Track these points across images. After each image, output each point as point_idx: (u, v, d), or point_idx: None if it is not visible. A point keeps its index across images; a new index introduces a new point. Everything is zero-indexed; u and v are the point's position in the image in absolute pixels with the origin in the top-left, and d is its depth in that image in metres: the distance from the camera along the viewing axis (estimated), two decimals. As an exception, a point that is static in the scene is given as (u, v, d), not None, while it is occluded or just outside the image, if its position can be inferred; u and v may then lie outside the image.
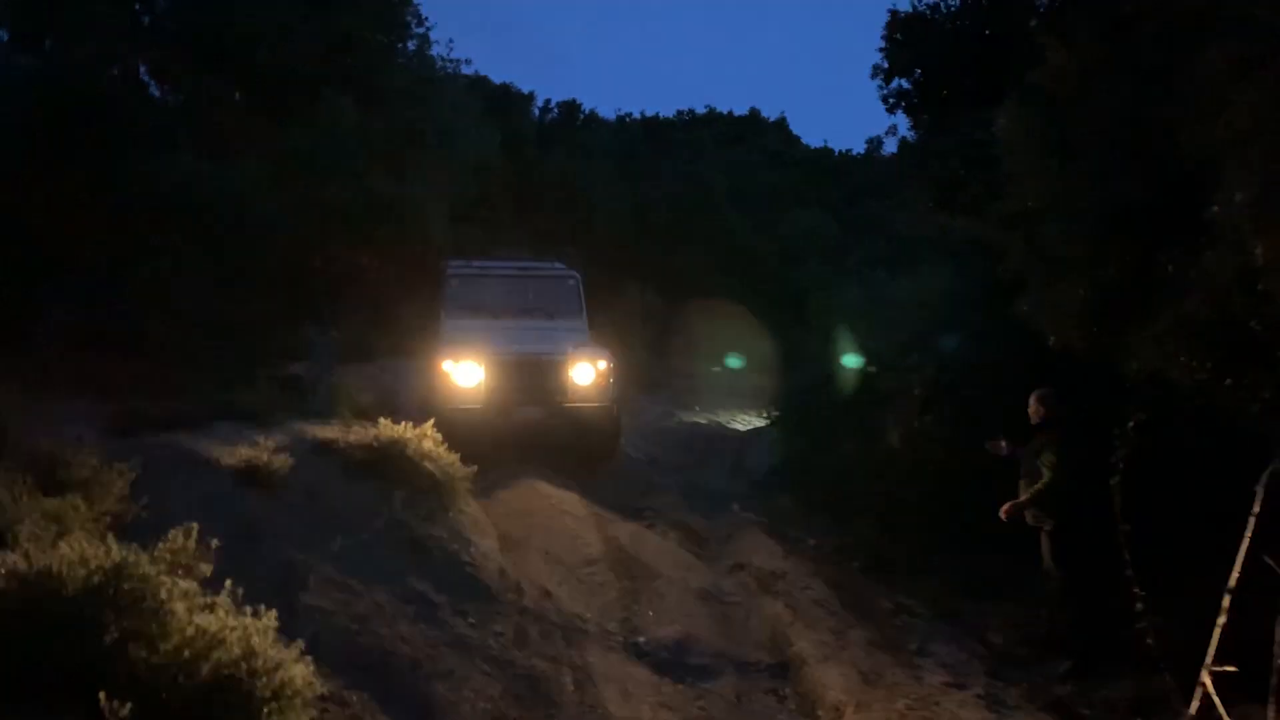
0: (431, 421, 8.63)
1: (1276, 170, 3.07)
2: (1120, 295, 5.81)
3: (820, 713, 5.49)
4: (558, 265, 12.23)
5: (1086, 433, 6.06)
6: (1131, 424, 3.83)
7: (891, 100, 10.40)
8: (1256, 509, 2.29)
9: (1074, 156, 6.24)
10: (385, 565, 6.38)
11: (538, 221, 28.58)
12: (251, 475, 6.81)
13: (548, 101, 32.47)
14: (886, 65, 10.28)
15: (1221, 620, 3.84)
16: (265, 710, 3.55)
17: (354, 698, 4.67)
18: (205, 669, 3.52)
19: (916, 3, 10.47)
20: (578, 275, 11.79)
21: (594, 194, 29.28)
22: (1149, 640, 4.71)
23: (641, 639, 6.69)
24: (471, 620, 6.20)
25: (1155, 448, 4.36)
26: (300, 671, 3.83)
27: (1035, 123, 6.68)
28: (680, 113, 41.31)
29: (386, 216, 11.82)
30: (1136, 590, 3.95)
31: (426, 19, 13.74)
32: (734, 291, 26.87)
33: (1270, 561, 2.90)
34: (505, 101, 29.27)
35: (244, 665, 3.60)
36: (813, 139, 48.12)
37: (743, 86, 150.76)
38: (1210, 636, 4.37)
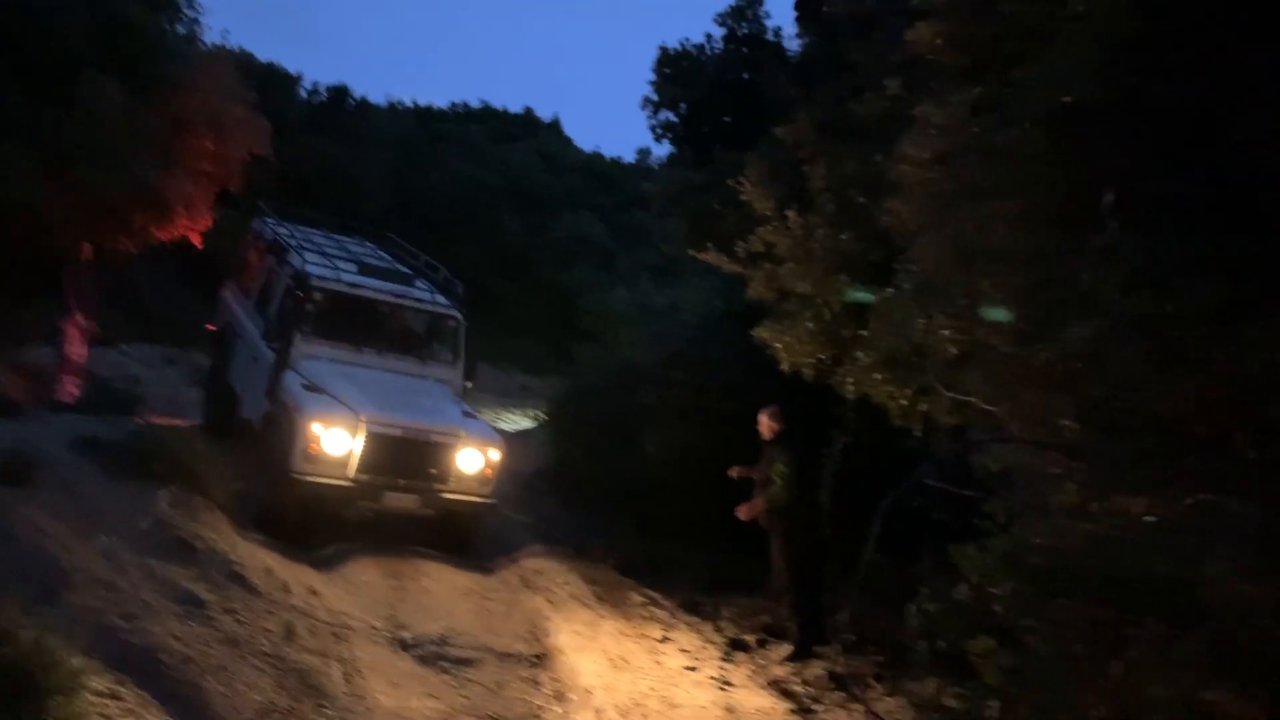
0: (266, 477, 7.83)
1: (943, 257, 3.93)
2: (839, 332, 6.80)
3: (573, 696, 6.09)
4: (438, 297, 9.56)
5: (811, 447, 7.02)
6: (839, 445, 4.63)
7: (659, 131, 11.23)
8: (877, 529, 2.98)
9: (809, 208, 7.20)
10: (152, 564, 6.44)
11: (304, 209, 27.88)
12: (4, 473, 6.66)
13: (315, 84, 31.56)
14: (655, 98, 11.10)
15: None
16: (52, 701, 3.75)
17: (128, 693, 4.82)
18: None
19: (685, 42, 11.39)
20: (460, 318, 9.39)
21: (364, 183, 28.87)
22: (848, 626, 5.62)
23: (407, 634, 7.05)
24: (241, 618, 6.36)
25: (859, 465, 5.22)
26: (81, 664, 4.03)
27: (778, 174, 7.62)
28: (454, 105, 41.20)
29: (149, 205, 11.44)
30: (836, 586, 4.75)
31: (196, 2, 13.39)
32: (506, 291, 27.33)
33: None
34: (270, 81, 28.27)
35: (32, 660, 3.78)
36: (585, 143, 49.11)
37: (518, 84, 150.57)
38: (898, 622, 5.30)
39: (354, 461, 7.79)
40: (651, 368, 10.77)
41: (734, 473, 7.62)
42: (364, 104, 32.82)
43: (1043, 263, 3.41)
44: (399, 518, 8.27)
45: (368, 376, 8.57)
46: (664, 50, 11.18)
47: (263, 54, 29.04)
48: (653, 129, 11.26)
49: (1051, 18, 4.01)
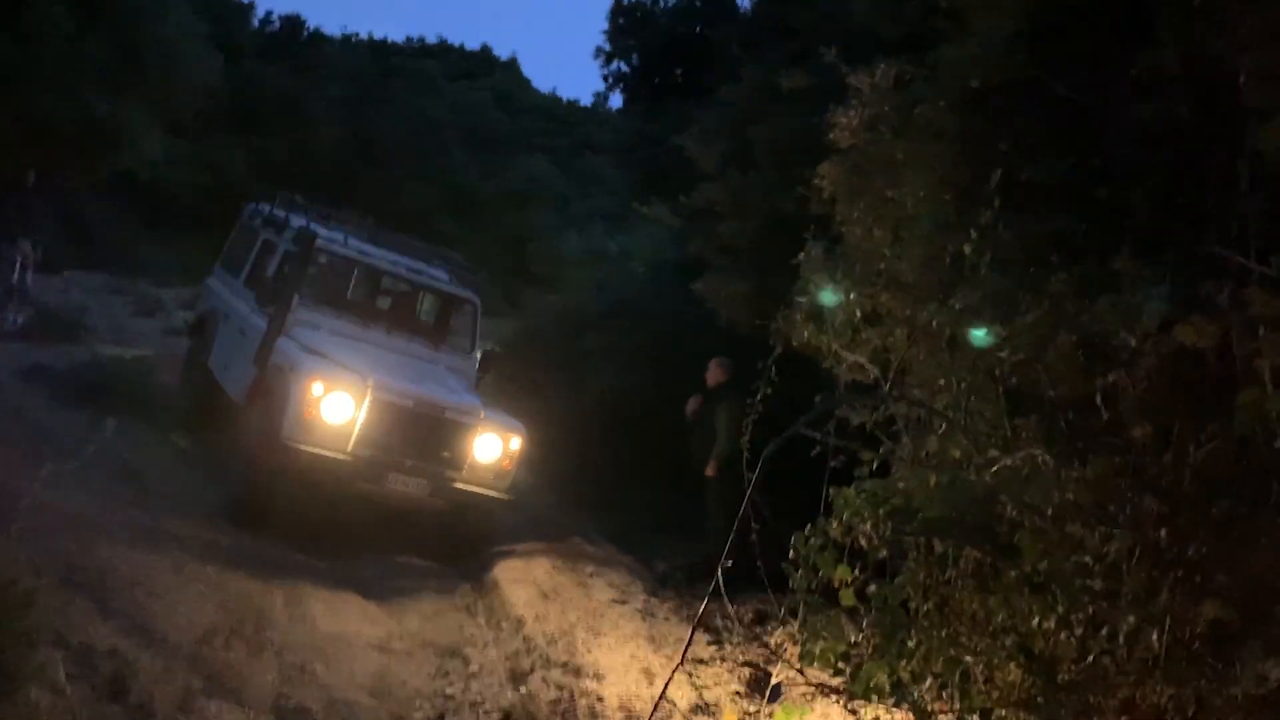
0: (249, 451, 7.01)
1: (861, 221, 4.24)
2: (772, 285, 7.11)
3: (504, 624, 6.44)
4: (450, 279, 8.67)
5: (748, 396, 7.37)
6: (759, 395, 4.96)
7: (610, 80, 11.42)
8: (756, 473, 3.31)
9: (749, 167, 7.47)
10: (99, 491, 6.64)
11: (255, 142, 27.58)
12: (-47, 398, 6.81)
13: (268, 14, 31.10)
14: (609, 48, 11.26)
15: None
16: (10, 613, 3.99)
17: (77, 609, 5.06)
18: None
19: (640, -8, 11.51)
20: (477, 302, 8.53)
21: (316, 117, 28.61)
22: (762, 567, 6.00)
23: (344, 562, 7.31)
24: (187, 547, 6.60)
25: (780, 416, 5.56)
26: (34, 583, 4.28)
27: (722, 132, 7.87)
28: (410, 39, 40.70)
29: (99, 135, 11.39)
30: (756, 528, 5.10)
31: (148, -75, 13.13)
32: (456, 232, 27.30)
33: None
34: (220, 10, 27.75)
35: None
36: (542, 84, 48.83)
37: (475, 20, 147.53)
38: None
39: (355, 433, 6.83)
40: (598, 314, 11.04)
41: (691, 406, 7.88)
42: (318, 35, 32.43)
43: (941, 235, 3.73)
44: (401, 508, 7.37)
45: (373, 350, 7.69)
46: (618, 1, 11.29)
47: (214, -21, 28.34)
48: (605, 78, 11.45)
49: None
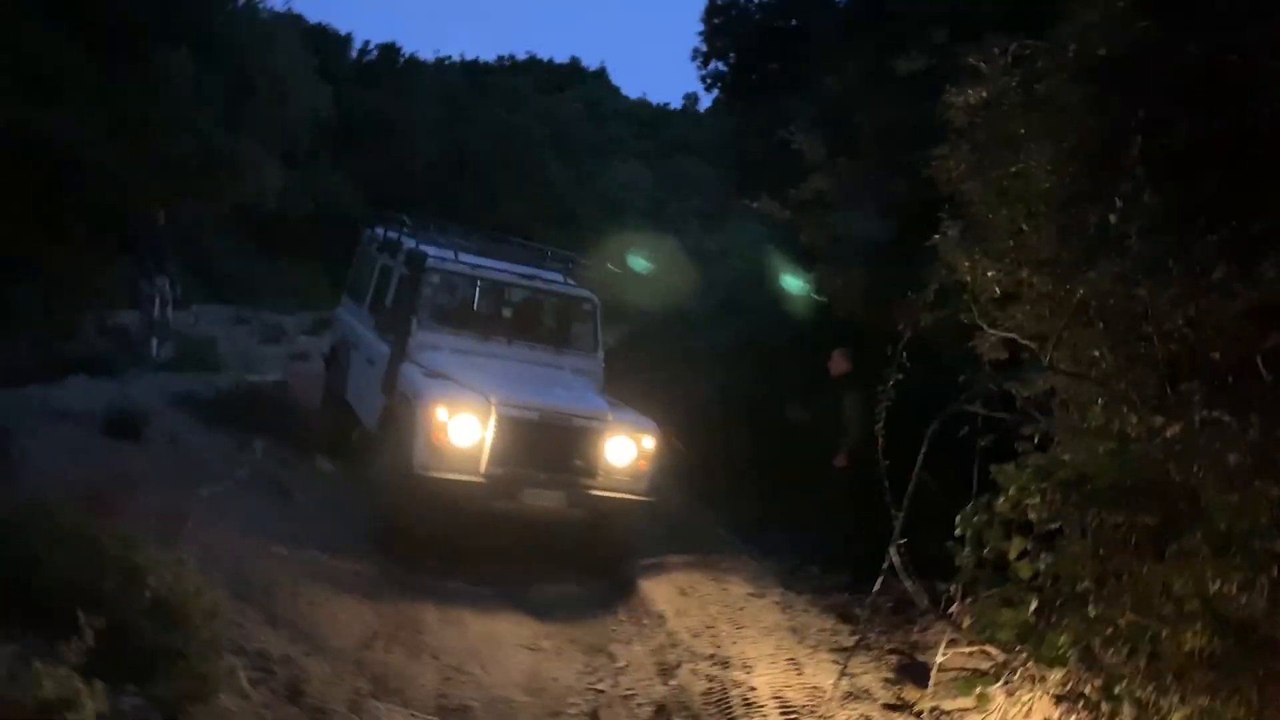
0: (385, 481, 7.03)
1: (987, 201, 4.22)
2: (890, 273, 7.09)
3: (646, 621, 6.57)
4: (567, 280, 8.51)
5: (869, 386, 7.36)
6: (890, 382, 4.97)
7: (709, 81, 11.49)
8: (924, 450, 3.28)
9: (857, 156, 7.46)
10: (255, 509, 7.00)
11: (356, 166, 28.47)
12: (117, 426, 7.26)
13: (366, 43, 32.04)
14: (705, 49, 11.34)
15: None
16: (200, 619, 4.27)
17: (248, 618, 5.37)
18: (146, 593, 4.21)
19: (734, -9, 11.56)
20: (596, 300, 8.35)
21: (415, 139, 29.39)
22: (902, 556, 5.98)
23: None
24: (340, 561, 6.86)
25: (911, 402, 5.55)
26: (218, 594, 4.56)
27: (827, 122, 7.87)
28: (501, 58, 41.45)
29: (220, 168, 11.97)
30: (893, 515, 5.10)
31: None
32: (557, 243, 27.69)
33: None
34: (322, 42, 28.77)
35: (176, 591, 4.30)
36: (631, 90, 49.16)
37: (563, 33, 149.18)
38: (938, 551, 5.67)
39: (485, 453, 6.73)
40: (705, 312, 11.11)
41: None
42: (413, 61, 33.28)
43: (1077, 207, 3.70)
44: (540, 521, 7.24)
45: (496, 364, 7.57)
46: (711, 1, 11.37)
47: (313, 15, 29.51)
48: (702, 79, 11.53)
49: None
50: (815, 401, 8.02)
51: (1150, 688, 2.73)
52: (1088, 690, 3.19)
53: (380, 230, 9.23)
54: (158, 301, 11.32)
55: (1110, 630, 2.61)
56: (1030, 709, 4.33)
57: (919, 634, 6.40)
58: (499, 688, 5.72)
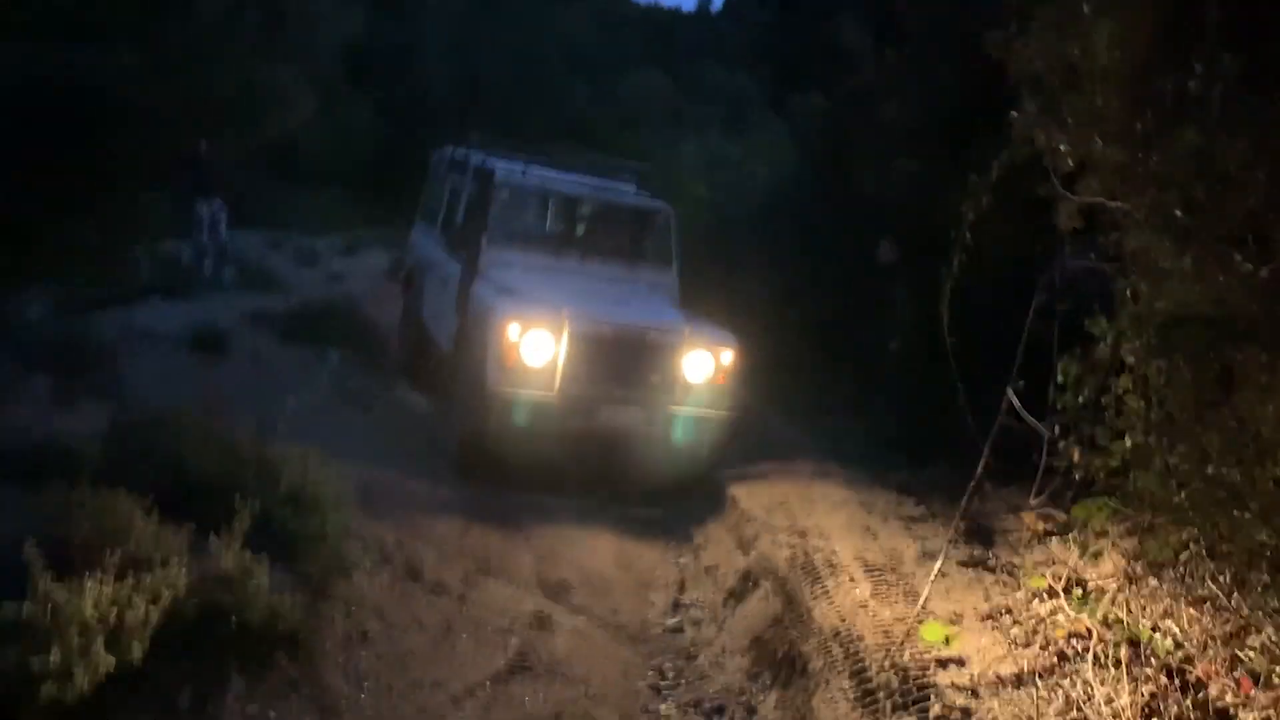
0: (461, 401, 6.96)
1: (1053, 79, 4.39)
2: (942, 161, 7.26)
3: (721, 506, 6.93)
4: (639, 191, 8.49)
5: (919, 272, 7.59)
6: (955, 261, 5.19)
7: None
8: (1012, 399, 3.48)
9: (905, 44, 7.57)
10: (340, 420, 7.35)
11: (375, 94, 28.36)
12: (203, 343, 7.62)
13: (373, -36, 31.48)
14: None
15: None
16: (329, 508, 4.65)
17: (354, 516, 5.75)
18: (281, 484, 4.58)
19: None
20: (671, 211, 8.16)
21: (428, 65, 29.19)
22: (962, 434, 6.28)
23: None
24: (427, 468, 7.13)
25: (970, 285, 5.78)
26: (340, 482, 4.94)
27: (871, 11, 7.96)
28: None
29: (259, 100, 12.10)
30: (959, 395, 5.37)
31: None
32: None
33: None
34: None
35: (306, 481, 4.68)
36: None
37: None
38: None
39: (560, 370, 6.65)
40: (745, 217, 11.27)
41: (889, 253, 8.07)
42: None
43: (1148, 78, 3.88)
44: (619, 439, 7.03)
45: (570, 280, 7.45)
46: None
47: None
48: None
49: None
50: (866, 291, 8.27)
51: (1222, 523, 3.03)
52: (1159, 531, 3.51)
53: (449, 150, 9.23)
54: (208, 226, 11.59)
55: (1199, 461, 2.88)
56: (1100, 555, 4.67)
57: (979, 503, 6.75)
58: (591, 565, 6.15)
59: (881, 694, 4.06)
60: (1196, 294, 2.94)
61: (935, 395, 7.29)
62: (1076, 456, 3.41)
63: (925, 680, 4.02)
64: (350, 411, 7.65)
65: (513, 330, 6.57)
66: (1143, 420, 3.08)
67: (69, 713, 2.95)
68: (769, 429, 8.83)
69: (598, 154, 9.88)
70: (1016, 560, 5.41)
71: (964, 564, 5.45)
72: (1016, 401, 3.62)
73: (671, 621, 5.67)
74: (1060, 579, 4.63)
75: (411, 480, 6.74)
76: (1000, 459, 4.99)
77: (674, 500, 7.13)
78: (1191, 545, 3.20)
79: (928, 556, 5.51)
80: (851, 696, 4.17)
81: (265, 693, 3.65)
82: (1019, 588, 4.99)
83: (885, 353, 7.79)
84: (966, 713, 3.76)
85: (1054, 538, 5.47)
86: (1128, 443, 3.16)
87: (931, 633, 4.28)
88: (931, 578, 4.76)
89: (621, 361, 6.84)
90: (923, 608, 4.69)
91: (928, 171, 7.54)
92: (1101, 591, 4.40)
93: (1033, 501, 4.11)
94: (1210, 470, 2.90)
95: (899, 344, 7.69)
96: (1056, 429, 3.59)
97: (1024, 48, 4.55)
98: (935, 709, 3.80)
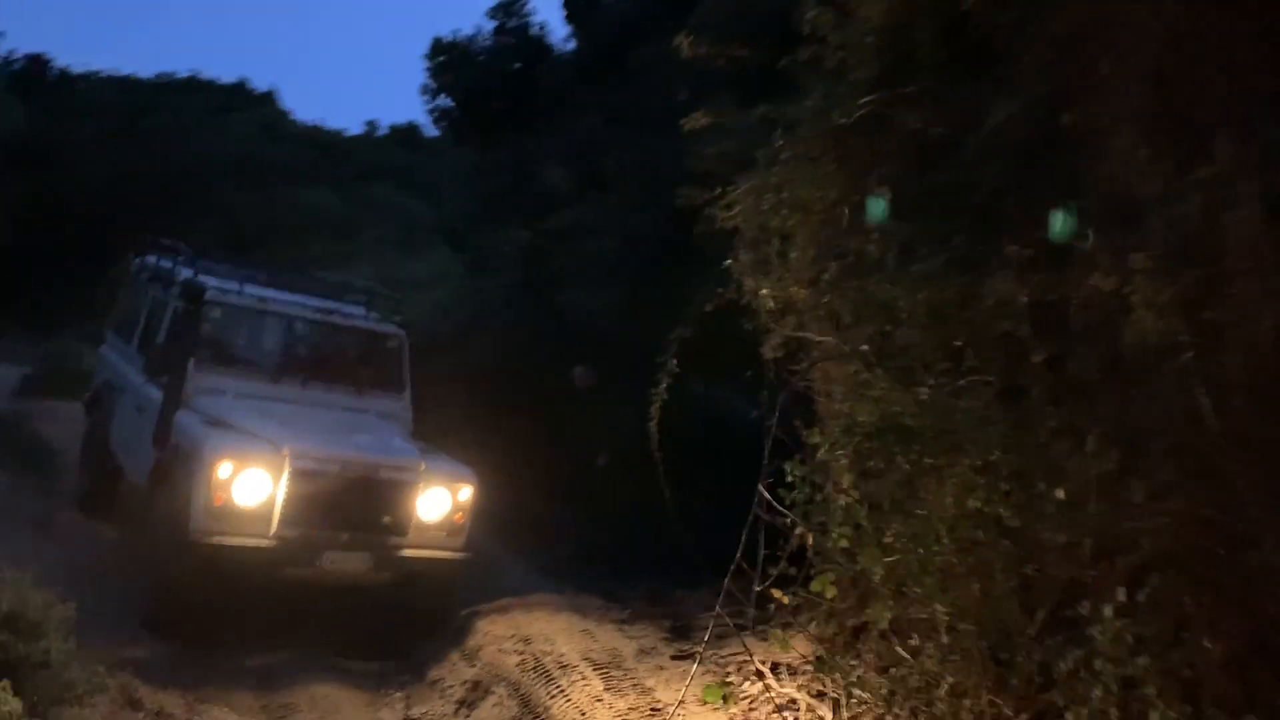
0: (158, 547, 6.11)
1: (755, 236, 5.30)
2: (640, 294, 8.14)
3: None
4: (368, 314, 7.80)
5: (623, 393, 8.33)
6: (663, 385, 5.87)
7: (437, 115, 12.09)
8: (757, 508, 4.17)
9: (604, 190, 8.47)
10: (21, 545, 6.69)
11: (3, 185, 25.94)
12: None
13: (11, 51, 29.14)
14: (434, 85, 11.94)
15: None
16: (54, 633, 4.39)
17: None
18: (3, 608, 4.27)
19: (456, 33, 12.27)
20: (403, 335, 7.71)
21: (72, 159, 27.24)
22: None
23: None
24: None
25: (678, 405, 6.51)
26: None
27: (573, 161, 8.82)
28: (161, 75, 38.98)
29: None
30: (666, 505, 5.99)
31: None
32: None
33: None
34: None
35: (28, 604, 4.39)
36: (304, 115, 47.67)
37: (227, 56, 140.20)
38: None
39: (277, 513, 5.94)
40: (446, 335, 11.59)
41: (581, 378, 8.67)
42: (65, 75, 30.65)
43: (831, 238, 4.83)
44: (342, 587, 6.42)
45: (289, 410, 6.81)
46: (437, 40, 12.02)
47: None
48: (430, 112, 12.09)
49: (816, 58, 5.41)
50: (574, 412, 8.88)
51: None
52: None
53: (152, 259, 8.37)
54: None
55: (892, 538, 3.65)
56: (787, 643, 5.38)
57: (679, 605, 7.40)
58: (318, 690, 5.97)
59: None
60: (880, 411, 3.75)
61: (639, 508, 7.97)
62: (811, 540, 4.09)
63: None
64: (32, 538, 7.01)
65: (224, 468, 5.83)
66: (852, 511, 3.82)
67: None
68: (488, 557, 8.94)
69: (315, 270, 9.76)
70: (721, 652, 6.05)
71: (675, 657, 6.03)
72: (768, 495, 4.25)
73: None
74: (766, 663, 5.31)
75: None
76: (711, 557, 5.67)
77: (406, 648, 6.64)
78: (885, 615, 3.94)
79: (644, 653, 6.04)
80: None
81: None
82: (726, 674, 5.63)
83: (593, 470, 8.39)
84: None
85: (745, 631, 6.18)
86: (845, 531, 3.88)
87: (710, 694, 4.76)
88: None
89: (349, 501, 6.21)
90: (652, 695, 5.18)
91: (629, 299, 8.39)
92: (797, 669, 5.14)
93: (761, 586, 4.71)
94: (899, 553, 3.67)
95: (604, 460, 8.34)
96: (789, 521, 4.26)
97: (722, 209, 5.41)
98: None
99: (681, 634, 6.65)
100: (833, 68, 5.32)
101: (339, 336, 7.58)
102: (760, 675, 5.24)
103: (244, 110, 37.67)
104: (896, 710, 4.11)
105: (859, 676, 4.30)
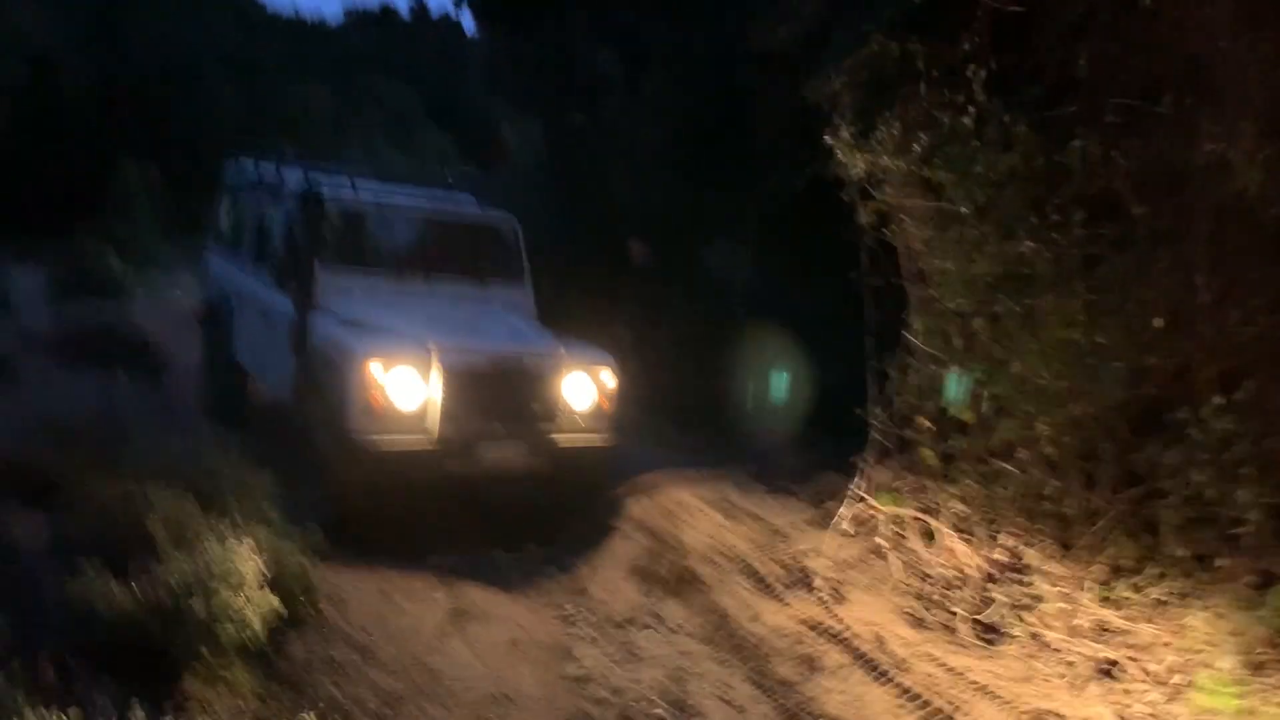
0: (314, 449, 5.99)
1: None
2: (691, 178, 8.66)
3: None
4: (478, 204, 7.84)
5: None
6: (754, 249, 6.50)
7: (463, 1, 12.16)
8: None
9: (656, 72, 8.88)
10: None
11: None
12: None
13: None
14: (461, -29, 12.01)
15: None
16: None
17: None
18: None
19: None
20: (516, 223, 7.61)
21: (61, 59, 26.83)
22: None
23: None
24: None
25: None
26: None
27: (623, 47, 9.21)
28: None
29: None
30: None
31: None
32: (239, 166, 26.62)
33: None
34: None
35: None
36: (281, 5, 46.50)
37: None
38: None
39: (433, 409, 5.91)
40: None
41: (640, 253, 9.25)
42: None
43: (919, 114, 5.44)
44: (501, 478, 6.39)
45: (420, 306, 6.73)
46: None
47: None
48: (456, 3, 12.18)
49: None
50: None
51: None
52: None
53: (250, 164, 8.22)
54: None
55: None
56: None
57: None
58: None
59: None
60: (997, 262, 4.43)
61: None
62: (948, 377, 4.80)
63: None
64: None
65: (375, 369, 5.76)
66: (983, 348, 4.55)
67: None
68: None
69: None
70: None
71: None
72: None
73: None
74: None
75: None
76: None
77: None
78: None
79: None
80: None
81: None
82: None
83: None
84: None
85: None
86: (976, 366, 4.62)
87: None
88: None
89: (499, 393, 6.16)
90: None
91: (679, 183, 8.91)
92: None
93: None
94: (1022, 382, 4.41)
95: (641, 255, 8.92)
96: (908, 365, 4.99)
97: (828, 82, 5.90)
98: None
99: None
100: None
101: (454, 229, 7.50)
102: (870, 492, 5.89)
103: (217, 4, 36.83)
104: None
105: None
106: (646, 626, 5.18)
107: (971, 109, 4.92)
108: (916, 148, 5.32)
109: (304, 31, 37.20)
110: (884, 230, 5.53)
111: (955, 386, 4.77)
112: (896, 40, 5.46)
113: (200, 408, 7.97)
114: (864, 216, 5.57)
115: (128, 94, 27.58)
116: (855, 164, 5.54)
